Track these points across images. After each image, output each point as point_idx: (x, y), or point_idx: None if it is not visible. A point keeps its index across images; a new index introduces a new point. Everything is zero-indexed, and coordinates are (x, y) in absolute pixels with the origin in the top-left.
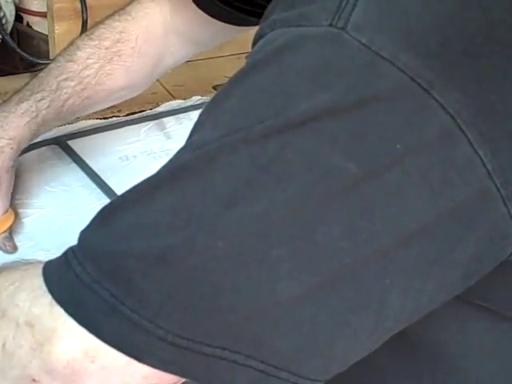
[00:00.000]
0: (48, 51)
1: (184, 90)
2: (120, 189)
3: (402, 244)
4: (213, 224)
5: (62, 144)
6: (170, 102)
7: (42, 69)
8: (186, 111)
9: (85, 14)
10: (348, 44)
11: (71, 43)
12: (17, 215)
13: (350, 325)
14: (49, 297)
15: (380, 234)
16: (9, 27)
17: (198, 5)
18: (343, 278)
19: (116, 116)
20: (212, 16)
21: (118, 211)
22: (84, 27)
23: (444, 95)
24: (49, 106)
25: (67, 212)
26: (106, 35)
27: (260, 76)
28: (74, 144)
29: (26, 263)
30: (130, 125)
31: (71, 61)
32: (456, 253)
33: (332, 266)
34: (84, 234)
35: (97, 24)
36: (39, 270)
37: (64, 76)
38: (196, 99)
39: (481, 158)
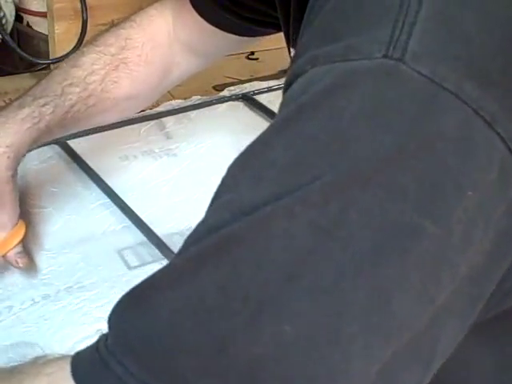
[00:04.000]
0: (48, 51)
1: (184, 90)
2: (120, 189)
3: (456, 292)
4: (275, 304)
5: (62, 144)
6: (170, 101)
7: (42, 69)
8: (185, 111)
9: (85, 14)
10: (407, 76)
11: (75, 51)
12: (27, 225)
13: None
14: None
15: (444, 290)
16: (9, 27)
17: (200, 15)
18: (407, 344)
19: None
20: (215, 26)
21: (155, 292)
22: (84, 27)
23: (506, 128)
24: (53, 112)
25: (67, 212)
26: (111, 41)
27: (308, 122)
28: (74, 144)
29: (46, 361)
30: (129, 125)
31: (75, 66)
32: (493, 283)
33: (404, 334)
34: (116, 321)
35: (100, 31)
36: (67, 373)
37: (69, 81)
38: (196, 99)
39: None
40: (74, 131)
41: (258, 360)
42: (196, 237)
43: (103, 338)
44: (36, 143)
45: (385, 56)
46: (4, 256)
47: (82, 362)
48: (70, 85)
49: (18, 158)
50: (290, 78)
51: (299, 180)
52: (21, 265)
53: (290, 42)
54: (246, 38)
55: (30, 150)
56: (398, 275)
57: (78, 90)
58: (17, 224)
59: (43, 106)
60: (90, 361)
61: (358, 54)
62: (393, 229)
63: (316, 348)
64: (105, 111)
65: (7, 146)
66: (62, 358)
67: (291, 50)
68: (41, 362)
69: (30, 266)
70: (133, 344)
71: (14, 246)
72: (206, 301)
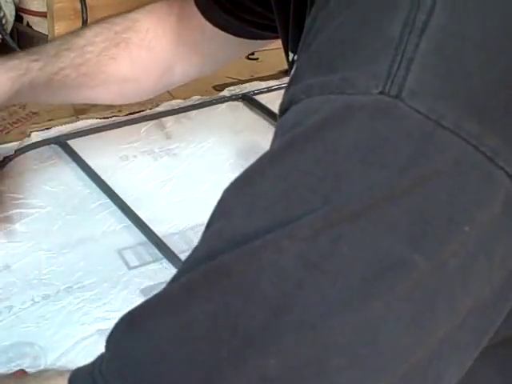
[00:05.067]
0: None
1: (184, 90)
2: (120, 189)
3: (459, 326)
4: (262, 338)
5: (62, 144)
6: (170, 101)
7: None
8: (185, 111)
9: (85, 14)
10: (404, 114)
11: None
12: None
13: None
14: None
15: (442, 323)
16: (9, 27)
17: (203, 14)
18: (403, 377)
19: (116, 116)
20: (217, 27)
21: (147, 319)
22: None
23: (510, 161)
24: (41, 69)
25: (67, 212)
26: (118, 21)
27: (301, 155)
28: (74, 144)
29: (46, 377)
30: (129, 124)
31: (77, 36)
32: (501, 316)
33: (396, 366)
34: (111, 344)
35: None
36: None
37: (66, 46)
38: (196, 99)
39: None
40: (65, 100)
41: None
42: (190, 264)
43: (99, 360)
44: (18, 95)
45: (382, 92)
46: None
47: (77, 382)
48: (67, 49)
49: None
50: (285, 104)
51: (290, 213)
52: None
53: (289, 46)
54: (248, 42)
55: (10, 101)
56: (385, 309)
57: (72, 55)
58: None
59: (33, 61)
60: (85, 382)
61: (354, 88)
62: (382, 262)
63: (301, 381)
64: (97, 86)
65: None
66: (62, 374)
67: (289, 53)
68: (42, 377)
69: (4, 228)
70: (123, 370)
71: None
72: (194, 330)
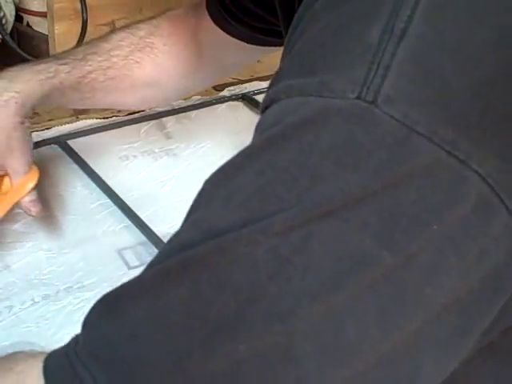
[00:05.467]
0: (48, 51)
1: None
2: (120, 189)
3: (433, 322)
4: (232, 325)
5: (62, 144)
6: None
7: None
8: (185, 111)
9: (85, 14)
10: (379, 120)
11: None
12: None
13: None
14: None
15: (412, 316)
16: (9, 27)
17: (215, 22)
18: (376, 366)
19: (116, 116)
20: (230, 34)
21: (123, 303)
22: (84, 27)
23: (482, 164)
24: (69, 72)
25: (67, 212)
26: (142, 26)
27: (279, 153)
28: (74, 144)
29: (18, 357)
30: (129, 125)
31: (103, 41)
32: (485, 318)
33: (363, 356)
34: (87, 326)
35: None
36: (37, 373)
37: (93, 50)
38: (196, 99)
39: None
40: (91, 104)
41: (211, 377)
42: (167, 251)
43: (74, 341)
44: (48, 98)
45: (358, 98)
46: (17, 203)
47: (52, 363)
48: (94, 53)
49: (26, 106)
50: (266, 102)
51: (265, 209)
52: (33, 213)
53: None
54: (259, 48)
55: (40, 104)
56: (352, 300)
57: (99, 58)
58: (29, 171)
59: (61, 64)
60: (60, 362)
61: (331, 91)
62: (351, 258)
63: (269, 366)
64: (124, 90)
65: (16, 92)
66: (34, 356)
67: None
68: (13, 358)
69: (42, 213)
70: (99, 351)
71: (27, 193)
72: (168, 316)
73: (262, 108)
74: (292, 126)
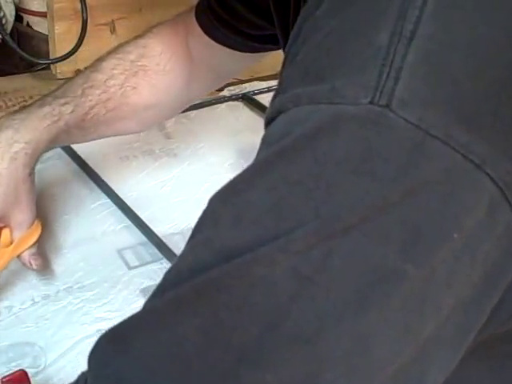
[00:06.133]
0: (48, 51)
1: None
2: (120, 189)
3: (443, 324)
4: (256, 352)
5: None
6: None
7: (42, 69)
8: (185, 111)
9: (85, 14)
10: (394, 124)
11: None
12: (43, 227)
13: None
14: None
15: (428, 325)
16: (9, 27)
17: (206, 32)
18: (391, 377)
19: None
20: (222, 44)
21: (134, 336)
22: (84, 27)
23: (496, 168)
24: (72, 111)
25: (67, 212)
26: (130, 49)
27: (291, 165)
28: (74, 144)
29: None
30: None
31: (95, 71)
32: (484, 315)
33: (386, 370)
34: (95, 362)
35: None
36: None
37: (89, 84)
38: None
39: None
40: (95, 137)
41: None
42: (176, 275)
43: (82, 380)
44: (55, 142)
45: (371, 102)
46: (19, 256)
47: None
48: (91, 87)
49: (36, 156)
50: (272, 113)
51: (281, 226)
52: (34, 266)
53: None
54: (250, 55)
55: (48, 149)
56: (379, 320)
57: (98, 92)
58: (33, 224)
59: (63, 105)
60: None
61: (343, 98)
62: (375, 273)
63: None
64: (125, 118)
65: (26, 143)
66: None
67: None
68: None
69: (44, 267)
70: None
71: (29, 247)
72: (184, 347)
73: (267, 120)
74: (304, 136)
